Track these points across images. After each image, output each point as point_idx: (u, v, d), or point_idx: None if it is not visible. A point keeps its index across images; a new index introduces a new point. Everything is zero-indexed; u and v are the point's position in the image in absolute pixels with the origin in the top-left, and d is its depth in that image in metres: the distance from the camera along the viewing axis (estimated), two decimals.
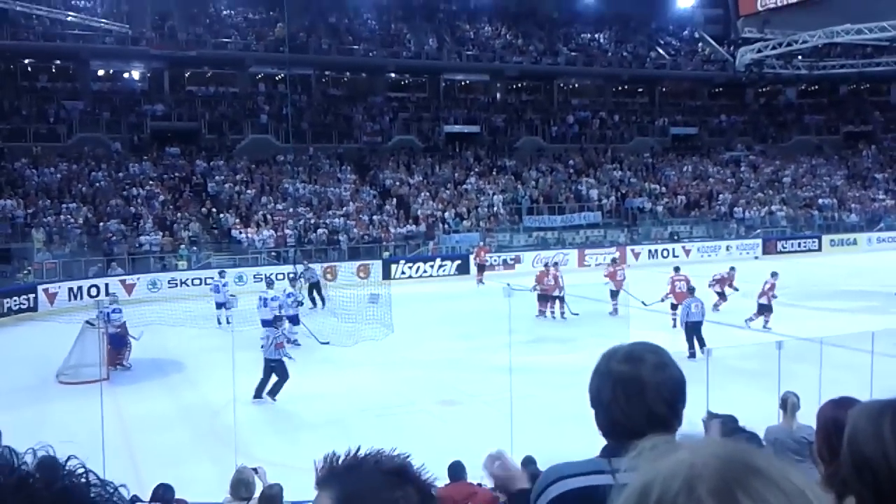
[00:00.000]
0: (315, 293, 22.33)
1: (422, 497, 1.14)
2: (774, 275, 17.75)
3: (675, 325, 16.58)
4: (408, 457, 1.17)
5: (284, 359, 13.44)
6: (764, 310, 17.62)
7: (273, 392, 13.21)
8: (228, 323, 17.92)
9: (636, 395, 1.58)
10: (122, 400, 13.18)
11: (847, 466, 1.45)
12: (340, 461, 1.16)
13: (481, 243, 30.03)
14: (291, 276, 21.11)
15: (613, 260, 24.05)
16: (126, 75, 39.02)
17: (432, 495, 1.18)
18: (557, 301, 19.82)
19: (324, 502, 1.13)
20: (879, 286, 18.24)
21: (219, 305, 19.59)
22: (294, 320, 17.40)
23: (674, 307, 17.71)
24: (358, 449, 1.19)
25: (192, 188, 32.73)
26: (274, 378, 13.19)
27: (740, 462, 0.78)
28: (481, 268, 27.50)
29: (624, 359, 1.65)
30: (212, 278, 22.72)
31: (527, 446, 8.10)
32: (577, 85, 47.73)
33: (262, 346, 13.49)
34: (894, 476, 1.36)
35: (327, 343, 16.65)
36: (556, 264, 23.15)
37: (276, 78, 39.97)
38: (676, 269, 19.23)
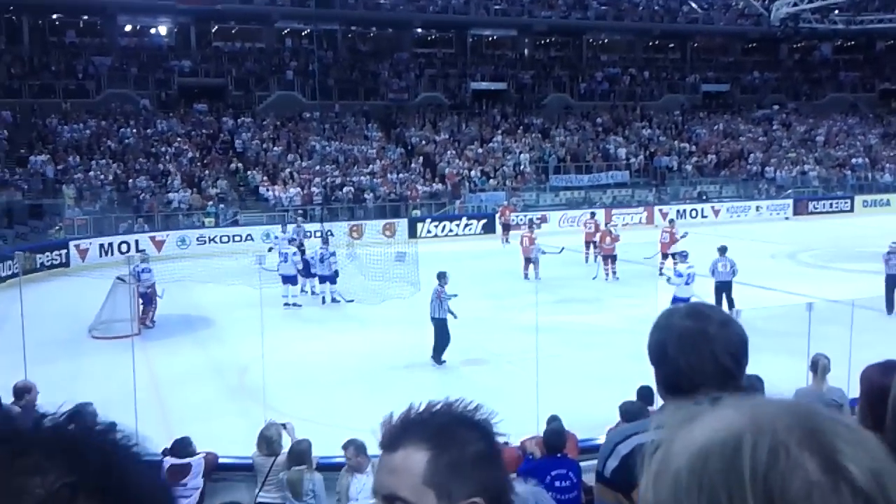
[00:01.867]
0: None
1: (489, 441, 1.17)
2: (671, 222, 20.35)
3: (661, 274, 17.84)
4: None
5: (448, 316, 13.11)
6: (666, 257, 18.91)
7: (438, 354, 13.05)
8: (335, 301, 17.57)
9: (703, 348, 1.59)
10: (152, 355, 13.40)
11: (891, 432, 1.41)
12: (406, 416, 1.18)
13: (506, 203, 29.89)
14: (324, 234, 20.88)
15: (592, 213, 25.35)
16: (153, 31, 38.96)
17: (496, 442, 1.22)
18: (610, 260, 19.90)
19: (413, 455, 1.13)
20: None
21: (323, 279, 17.86)
22: (332, 279, 17.49)
23: (665, 257, 19.19)
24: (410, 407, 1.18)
25: (220, 145, 32.84)
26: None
27: (814, 413, 0.75)
28: (506, 227, 27.40)
29: (687, 315, 1.66)
30: (276, 240, 21.04)
31: (552, 406, 8.14)
32: (606, 41, 46.87)
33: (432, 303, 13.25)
34: None
35: (352, 301, 16.82)
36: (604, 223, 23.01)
37: (303, 33, 39.68)
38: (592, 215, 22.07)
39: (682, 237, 19.86)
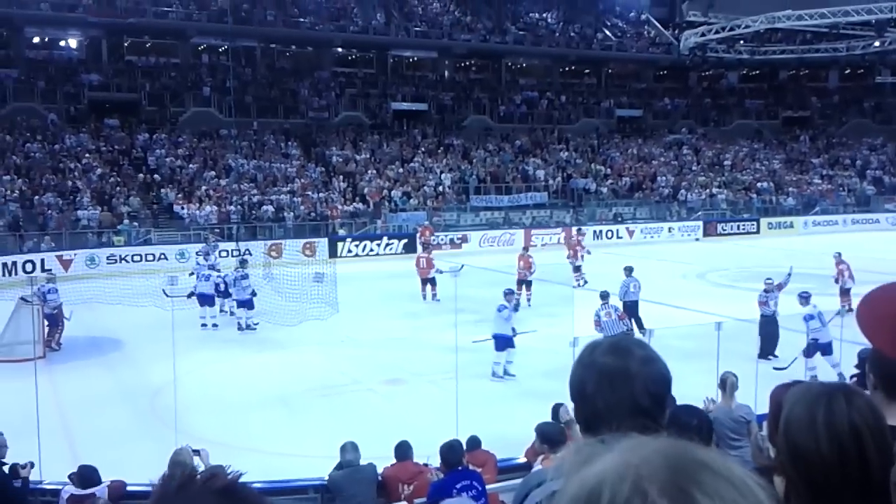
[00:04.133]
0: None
1: None
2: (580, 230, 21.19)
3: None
4: (240, 475, 1.09)
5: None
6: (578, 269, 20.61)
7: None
8: (250, 328, 16.98)
9: (622, 387, 1.55)
10: (58, 379, 12.83)
11: (782, 453, 1.46)
12: (174, 483, 1.08)
13: (426, 223, 29.98)
14: (241, 255, 20.24)
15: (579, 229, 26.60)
16: (62, 43, 37.69)
17: None
18: (524, 285, 19.29)
19: None
20: (814, 269, 18.77)
21: (240, 304, 17.14)
22: (248, 304, 16.97)
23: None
24: (193, 470, 1.12)
25: (132, 162, 31.90)
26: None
27: (685, 457, 0.77)
28: (427, 246, 27.20)
29: (609, 351, 1.61)
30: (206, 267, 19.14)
31: (472, 426, 8.16)
32: (524, 64, 47.83)
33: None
34: (825, 465, 1.37)
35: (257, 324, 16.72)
36: (525, 248, 22.93)
37: (220, 49, 39.10)
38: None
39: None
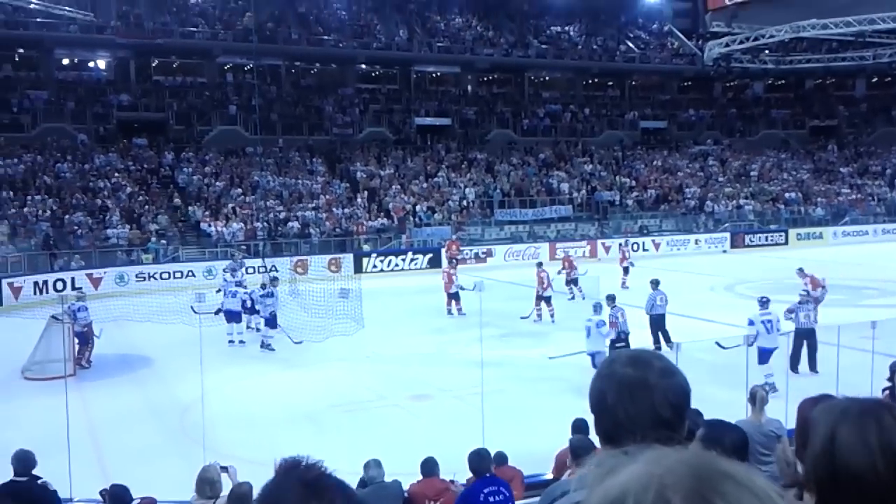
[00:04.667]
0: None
1: None
2: (540, 264, 20.14)
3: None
4: (326, 469, 1.21)
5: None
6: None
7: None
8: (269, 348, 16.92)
9: (642, 398, 1.55)
10: (88, 396, 12.99)
11: (824, 475, 1.40)
12: (284, 466, 1.21)
13: (453, 237, 30.00)
14: (268, 274, 20.33)
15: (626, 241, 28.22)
16: (91, 64, 38.38)
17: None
18: (543, 301, 19.13)
19: None
20: (845, 280, 18.55)
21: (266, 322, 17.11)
22: (270, 323, 16.92)
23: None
24: (288, 458, 1.22)
25: (160, 180, 32.33)
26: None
27: (708, 467, 0.77)
28: (453, 261, 27.14)
29: (629, 362, 1.61)
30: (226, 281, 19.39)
31: (498, 440, 8.12)
32: (547, 78, 47.85)
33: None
34: (882, 486, 1.33)
35: (300, 343, 16.46)
36: (540, 264, 22.85)
37: (245, 68, 39.54)
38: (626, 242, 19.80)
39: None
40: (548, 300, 19.05)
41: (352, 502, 1.17)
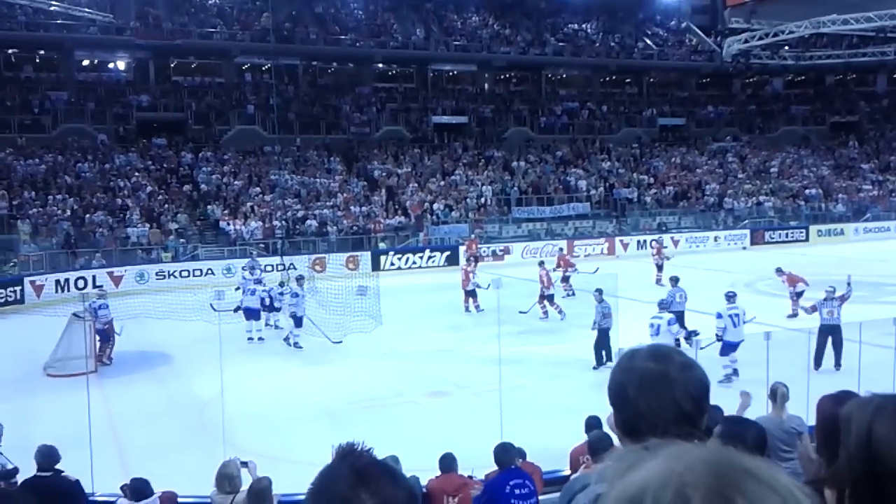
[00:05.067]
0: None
1: (387, 498, 1.20)
2: (541, 263, 19.76)
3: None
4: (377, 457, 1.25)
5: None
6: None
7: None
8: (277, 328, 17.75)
9: (664, 391, 1.56)
10: (109, 393, 13.11)
11: (859, 477, 1.36)
12: (340, 451, 1.27)
13: (472, 236, 29.96)
14: (290, 271, 20.41)
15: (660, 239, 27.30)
16: (111, 65, 38.69)
17: (413, 495, 1.25)
18: (546, 300, 19.13)
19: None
20: (867, 276, 18.35)
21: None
22: (296, 322, 16.83)
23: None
24: (344, 444, 1.27)
25: (179, 179, 32.56)
26: None
27: (729, 464, 0.76)
28: (475, 259, 26.85)
29: (649, 356, 1.63)
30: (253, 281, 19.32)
31: (516, 437, 8.09)
32: (564, 75, 47.69)
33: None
34: None
35: (339, 342, 16.18)
36: (541, 263, 22.78)
37: (263, 68, 39.67)
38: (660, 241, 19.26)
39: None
40: (550, 298, 19.03)
41: (399, 490, 1.21)
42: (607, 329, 13.88)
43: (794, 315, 17.05)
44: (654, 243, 27.20)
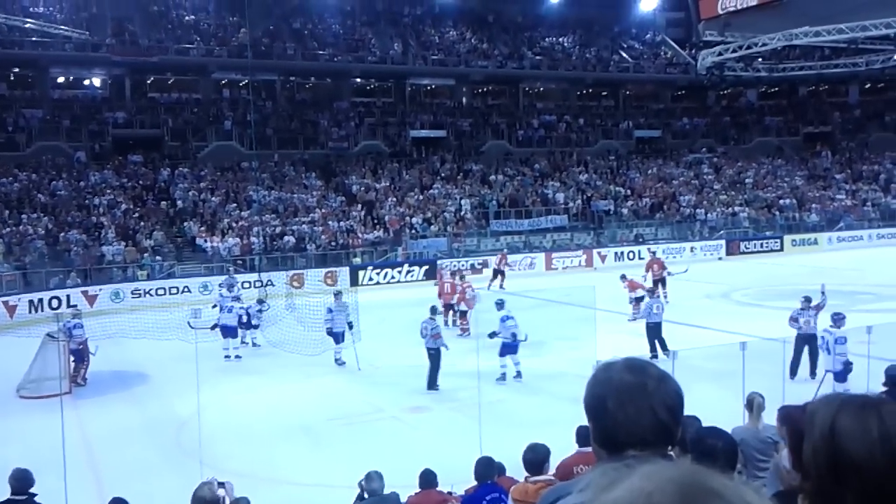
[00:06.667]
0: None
1: None
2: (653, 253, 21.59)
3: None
4: None
5: (441, 349, 14.01)
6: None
7: (432, 382, 13.79)
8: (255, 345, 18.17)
9: (642, 401, 1.59)
10: (84, 414, 12.95)
11: (822, 470, 1.40)
12: None
13: (504, 250, 29.59)
14: (261, 290, 20.42)
15: (454, 273, 23.58)
16: (86, 82, 38.45)
17: None
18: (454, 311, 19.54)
19: None
20: (841, 285, 18.58)
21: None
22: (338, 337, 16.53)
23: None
24: None
25: (156, 196, 32.32)
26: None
27: (697, 485, 0.77)
28: (500, 273, 26.71)
29: (625, 369, 1.66)
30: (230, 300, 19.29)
31: (496, 452, 8.08)
32: (542, 89, 48.01)
33: (423, 336, 14.09)
34: (880, 476, 1.34)
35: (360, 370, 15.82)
36: (453, 273, 22.70)
37: (240, 84, 39.63)
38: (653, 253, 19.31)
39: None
40: (463, 314, 19.17)
41: None
42: (658, 323, 15.23)
43: (634, 319, 18.46)
44: (653, 256, 24.91)
